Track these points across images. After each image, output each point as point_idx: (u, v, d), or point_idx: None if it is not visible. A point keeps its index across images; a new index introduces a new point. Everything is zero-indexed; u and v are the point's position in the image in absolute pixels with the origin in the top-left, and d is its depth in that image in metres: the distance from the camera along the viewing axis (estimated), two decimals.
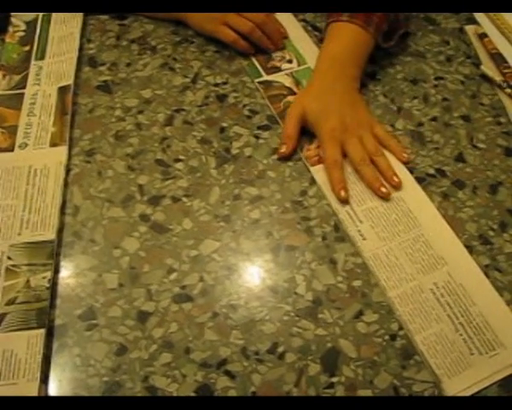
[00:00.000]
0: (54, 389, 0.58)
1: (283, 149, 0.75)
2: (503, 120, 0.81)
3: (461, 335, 0.61)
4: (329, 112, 0.75)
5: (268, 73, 0.85)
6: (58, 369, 0.59)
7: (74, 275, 0.66)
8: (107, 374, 0.59)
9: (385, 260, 0.67)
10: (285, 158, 0.75)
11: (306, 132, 0.77)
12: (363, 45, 0.81)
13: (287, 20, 0.92)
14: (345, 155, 0.74)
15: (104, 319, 0.63)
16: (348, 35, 0.81)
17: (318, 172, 0.74)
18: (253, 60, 0.87)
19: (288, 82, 0.83)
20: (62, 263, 0.66)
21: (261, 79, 0.84)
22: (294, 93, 0.82)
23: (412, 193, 0.72)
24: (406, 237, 0.68)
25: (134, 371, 0.59)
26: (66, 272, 0.66)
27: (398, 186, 0.72)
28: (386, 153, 0.75)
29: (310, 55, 0.86)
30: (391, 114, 0.81)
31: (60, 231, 0.68)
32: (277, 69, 0.85)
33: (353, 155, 0.73)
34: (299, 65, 0.86)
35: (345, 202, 0.71)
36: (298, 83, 0.83)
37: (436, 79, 0.86)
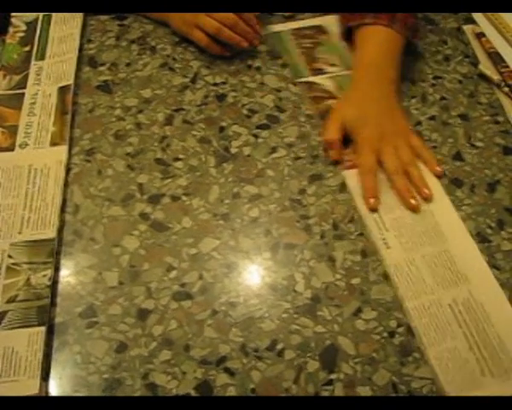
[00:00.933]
0: (54, 387, 0.59)
1: (333, 156, 0.76)
2: (500, 118, 0.82)
3: (474, 354, 0.61)
4: (367, 120, 0.76)
5: (312, 74, 0.85)
6: (59, 366, 0.60)
7: (75, 273, 0.66)
8: (108, 371, 0.60)
9: (406, 270, 0.67)
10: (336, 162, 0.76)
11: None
12: (394, 45, 0.82)
13: (336, 23, 0.91)
14: (379, 162, 0.74)
15: (104, 316, 0.63)
16: (377, 38, 0.81)
17: (350, 176, 0.74)
18: (298, 59, 0.87)
19: (329, 85, 0.84)
20: (63, 261, 0.67)
21: (303, 80, 0.84)
22: (334, 97, 0.82)
23: (442, 207, 0.72)
24: (431, 251, 0.68)
25: (134, 369, 0.60)
26: (67, 271, 0.66)
27: (428, 198, 0.72)
28: (420, 164, 0.75)
29: None
30: None
31: (60, 229, 0.69)
32: (321, 71, 0.86)
33: (388, 165, 0.74)
34: (343, 70, 0.86)
35: (374, 209, 0.71)
36: (340, 87, 0.83)
37: (434, 78, 0.87)
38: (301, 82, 0.84)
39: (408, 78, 0.86)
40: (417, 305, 0.64)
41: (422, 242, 0.69)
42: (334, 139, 0.76)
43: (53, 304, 0.63)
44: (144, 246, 0.68)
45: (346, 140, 0.77)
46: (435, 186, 0.73)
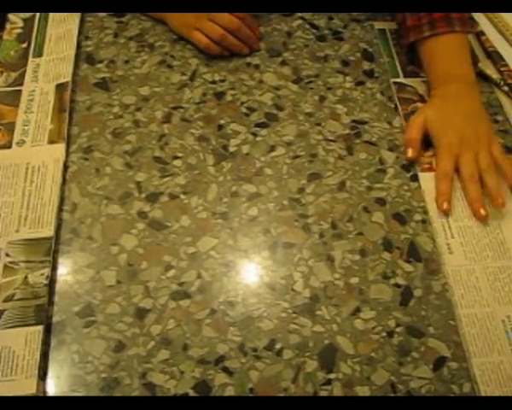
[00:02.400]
0: (52, 386, 0.58)
1: (410, 154, 0.76)
2: (500, 117, 0.81)
3: None
4: (449, 125, 0.76)
5: (406, 76, 0.86)
6: (56, 365, 0.60)
7: (72, 272, 0.66)
8: (105, 371, 0.59)
9: (465, 278, 0.67)
10: (412, 161, 0.76)
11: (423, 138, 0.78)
12: (461, 46, 0.81)
13: None
14: (457, 168, 0.74)
15: (102, 315, 0.63)
16: (443, 48, 0.80)
17: (426, 178, 0.75)
18: (395, 59, 0.88)
19: (421, 89, 0.84)
20: (60, 260, 0.66)
21: (397, 80, 0.85)
22: (425, 101, 0.82)
23: (510, 224, 0.71)
24: (492, 265, 0.68)
25: (132, 368, 0.60)
26: (65, 269, 0.66)
27: (500, 207, 0.71)
28: None
29: None
30: (388, 111, 0.82)
31: (58, 228, 0.68)
32: (415, 74, 0.86)
33: (464, 171, 0.73)
34: None
35: (445, 213, 0.71)
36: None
37: None
38: (394, 82, 0.85)
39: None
40: (470, 313, 0.64)
41: (486, 255, 0.69)
42: (414, 138, 0.76)
43: (51, 303, 0.63)
44: (142, 245, 0.68)
45: (427, 143, 0.77)
46: (509, 202, 0.73)
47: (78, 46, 0.87)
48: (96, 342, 0.61)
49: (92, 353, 0.60)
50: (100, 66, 0.85)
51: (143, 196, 0.72)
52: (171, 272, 0.66)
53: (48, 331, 0.61)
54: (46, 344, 0.61)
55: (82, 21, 0.90)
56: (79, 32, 0.88)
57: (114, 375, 0.59)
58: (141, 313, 0.63)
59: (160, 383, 0.59)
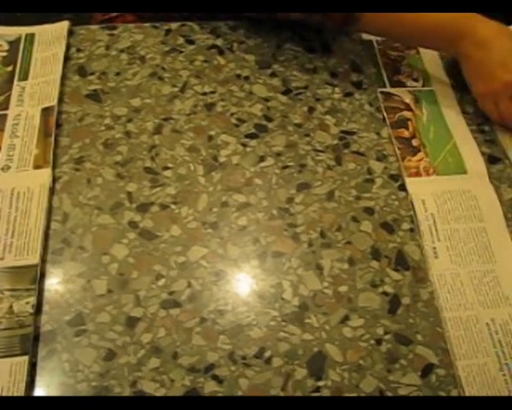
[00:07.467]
0: (42, 395, 0.59)
1: None
2: (486, 128, 0.83)
3: (504, 375, 0.61)
4: None
5: (392, 86, 0.87)
6: (46, 375, 0.60)
7: (63, 281, 0.66)
8: (96, 379, 0.60)
9: (450, 282, 0.67)
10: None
11: (410, 145, 0.79)
12: None
13: None
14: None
15: (93, 324, 0.63)
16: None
17: (412, 183, 0.76)
18: (382, 69, 0.89)
19: (408, 98, 0.85)
20: (51, 270, 0.67)
21: (384, 90, 0.86)
22: (411, 110, 0.84)
23: (496, 228, 0.72)
24: (478, 268, 0.69)
25: (122, 376, 0.60)
26: (55, 279, 0.66)
27: None
28: None
29: (436, 79, 0.88)
30: (376, 122, 0.83)
31: (48, 237, 0.69)
32: (402, 84, 0.87)
33: None
34: (423, 86, 0.87)
35: None
36: (417, 101, 0.85)
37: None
38: (381, 92, 0.86)
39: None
40: (454, 317, 0.65)
41: (471, 259, 0.69)
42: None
43: (41, 312, 0.63)
44: (133, 254, 0.68)
45: (414, 148, 0.79)
46: (495, 203, 0.74)
47: (70, 58, 0.87)
48: (87, 350, 0.61)
49: (83, 361, 0.61)
50: (91, 78, 0.86)
51: (134, 206, 0.72)
52: (162, 282, 0.66)
53: (38, 340, 0.62)
54: (36, 353, 0.61)
55: (74, 34, 0.91)
56: (71, 45, 0.89)
57: (105, 383, 0.59)
58: (131, 322, 0.64)
59: (150, 392, 0.59)
